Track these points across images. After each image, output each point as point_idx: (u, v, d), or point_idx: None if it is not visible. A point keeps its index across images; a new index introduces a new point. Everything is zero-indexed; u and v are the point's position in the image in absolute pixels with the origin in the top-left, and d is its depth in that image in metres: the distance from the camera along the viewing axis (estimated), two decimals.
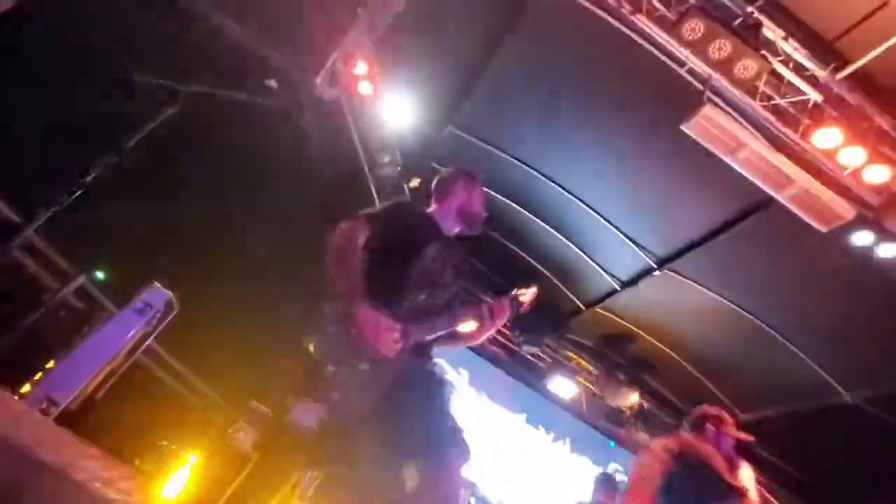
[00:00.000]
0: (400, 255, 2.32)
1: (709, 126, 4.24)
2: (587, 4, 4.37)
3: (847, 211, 4.34)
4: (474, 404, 7.46)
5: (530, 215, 6.80)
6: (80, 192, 3.33)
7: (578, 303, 7.55)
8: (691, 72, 4.45)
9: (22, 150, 5.37)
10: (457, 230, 2.63)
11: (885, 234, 4.47)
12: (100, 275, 5.46)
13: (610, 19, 4.44)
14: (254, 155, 6.21)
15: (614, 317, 7.44)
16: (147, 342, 5.04)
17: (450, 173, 2.76)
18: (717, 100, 4.40)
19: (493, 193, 6.57)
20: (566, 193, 6.33)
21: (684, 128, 4.29)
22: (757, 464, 3.33)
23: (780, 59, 4.22)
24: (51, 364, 4.46)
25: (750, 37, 4.01)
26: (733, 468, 3.15)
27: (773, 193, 4.47)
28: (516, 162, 6.23)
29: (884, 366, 5.76)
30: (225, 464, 5.18)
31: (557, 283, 7.41)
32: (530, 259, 7.31)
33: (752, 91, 4.28)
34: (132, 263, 5.63)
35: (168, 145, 4.10)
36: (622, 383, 7.72)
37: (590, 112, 5.47)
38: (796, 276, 5.70)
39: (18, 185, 4.72)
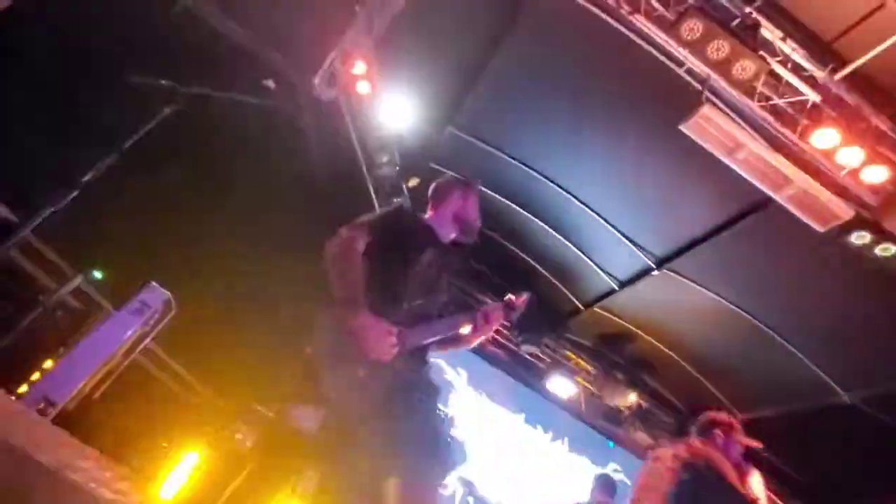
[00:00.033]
0: (397, 262, 2.35)
1: (707, 126, 4.24)
2: (586, 4, 4.37)
3: (845, 211, 4.34)
4: (473, 404, 7.46)
5: (529, 215, 6.80)
6: (77, 192, 3.33)
7: (577, 302, 7.55)
8: (690, 72, 4.45)
9: (19, 151, 5.36)
10: (452, 236, 2.66)
11: (882, 234, 4.47)
12: (97, 275, 5.45)
13: (608, 19, 4.44)
14: (253, 155, 6.21)
15: (613, 316, 7.44)
16: (145, 342, 5.04)
17: (447, 180, 2.79)
18: (715, 100, 4.40)
19: (491, 193, 6.58)
20: (565, 193, 6.33)
21: (683, 128, 4.29)
22: (755, 464, 3.30)
23: (778, 59, 4.22)
24: (48, 364, 4.45)
25: (748, 37, 4.01)
26: (743, 476, 3.10)
27: (771, 193, 4.47)
28: (515, 162, 6.23)
29: (881, 366, 5.77)
30: (223, 464, 5.19)
31: (556, 282, 7.41)
32: (529, 259, 7.31)
33: (750, 91, 4.28)
34: (130, 264, 5.63)
35: (166, 146, 4.10)
36: (621, 383, 7.72)
37: (588, 112, 5.47)
38: (794, 276, 5.71)
39: (16, 185, 4.72)
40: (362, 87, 5.15)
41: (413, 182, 6.24)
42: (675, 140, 4.45)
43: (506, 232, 7.03)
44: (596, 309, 7.40)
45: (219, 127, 5.50)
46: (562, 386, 7.76)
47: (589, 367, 7.95)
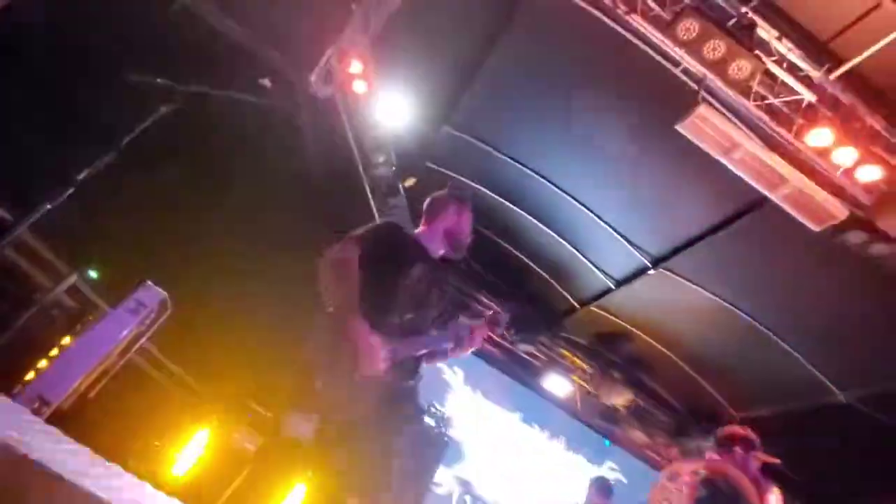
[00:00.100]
0: (387, 276, 2.40)
1: (703, 126, 4.25)
2: (582, 4, 4.37)
3: (840, 210, 4.36)
4: (469, 403, 7.47)
5: (524, 213, 6.80)
6: (73, 189, 3.33)
7: (573, 301, 7.56)
8: (686, 72, 4.46)
9: (18, 149, 5.34)
10: (442, 252, 2.70)
11: (877, 234, 4.49)
12: (93, 273, 5.44)
13: (605, 19, 4.44)
14: (250, 153, 6.20)
15: (609, 315, 7.45)
16: (140, 342, 5.03)
17: (442, 195, 2.82)
18: (711, 100, 4.41)
19: (486, 192, 6.58)
20: (560, 192, 6.34)
21: (679, 128, 4.30)
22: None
23: (773, 59, 4.23)
24: (43, 363, 4.44)
25: (744, 37, 4.01)
26: (762, 493, 3.07)
27: (766, 193, 4.48)
28: (511, 161, 6.24)
29: (877, 365, 5.78)
30: (221, 464, 5.19)
31: (552, 281, 7.42)
32: (524, 257, 7.32)
33: (746, 91, 4.29)
34: (126, 262, 5.61)
35: (164, 144, 4.09)
36: (617, 382, 7.74)
37: (584, 111, 5.47)
38: (790, 275, 5.72)
39: (14, 183, 4.70)
40: (359, 86, 5.15)
41: (409, 181, 6.24)
42: (672, 139, 4.46)
43: (500, 230, 7.03)
44: (592, 308, 7.41)
45: (216, 125, 5.48)
46: (558, 384, 7.78)
47: (585, 366, 7.97)
